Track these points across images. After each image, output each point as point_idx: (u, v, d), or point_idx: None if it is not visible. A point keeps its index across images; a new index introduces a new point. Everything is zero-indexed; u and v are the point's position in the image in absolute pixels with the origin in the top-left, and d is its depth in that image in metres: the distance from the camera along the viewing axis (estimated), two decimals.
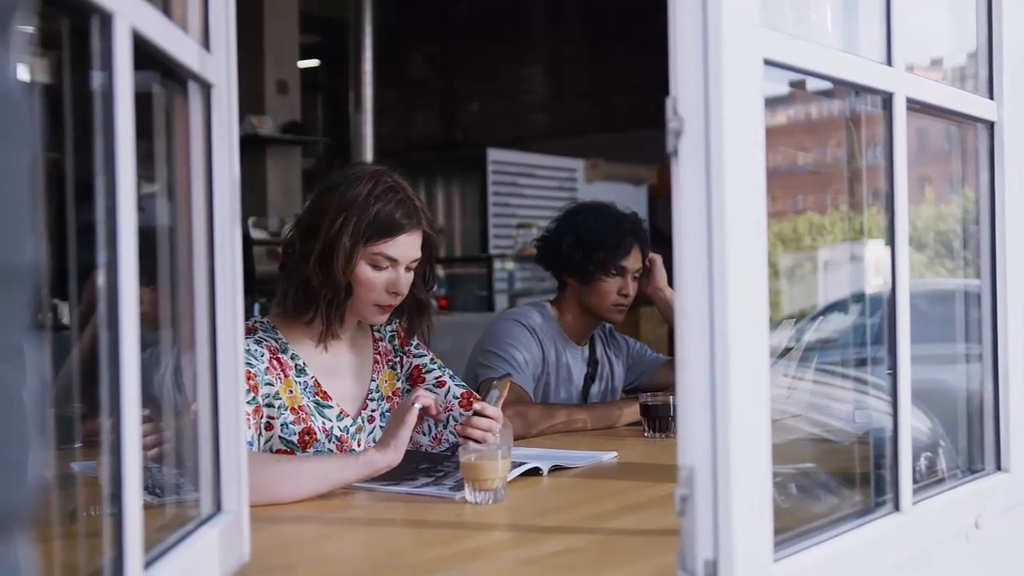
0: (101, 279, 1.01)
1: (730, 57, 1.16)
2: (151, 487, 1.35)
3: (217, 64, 1.36)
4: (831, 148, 2.04)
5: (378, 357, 2.37)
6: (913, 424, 1.56)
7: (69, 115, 1.06)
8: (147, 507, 1.08)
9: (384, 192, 2.18)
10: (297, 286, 2.19)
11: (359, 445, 2.25)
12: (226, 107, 1.38)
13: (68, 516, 1.27)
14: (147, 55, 1.12)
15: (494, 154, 8.01)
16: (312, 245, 2.17)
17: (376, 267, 2.18)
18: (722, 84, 1.16)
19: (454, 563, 1.53)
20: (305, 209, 2.27)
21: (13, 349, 0.53)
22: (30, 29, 0.59)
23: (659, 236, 3.18)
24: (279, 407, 2.15)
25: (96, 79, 1.01)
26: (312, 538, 1.71)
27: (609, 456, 2.35)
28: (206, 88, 1.35)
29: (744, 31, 1.19)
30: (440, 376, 2.38)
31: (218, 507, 1.38)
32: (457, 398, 2.34)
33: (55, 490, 1.18)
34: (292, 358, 2.22)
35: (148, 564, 1.09)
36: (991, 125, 1.80)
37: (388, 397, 2.35)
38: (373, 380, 2.34)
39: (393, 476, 2.04)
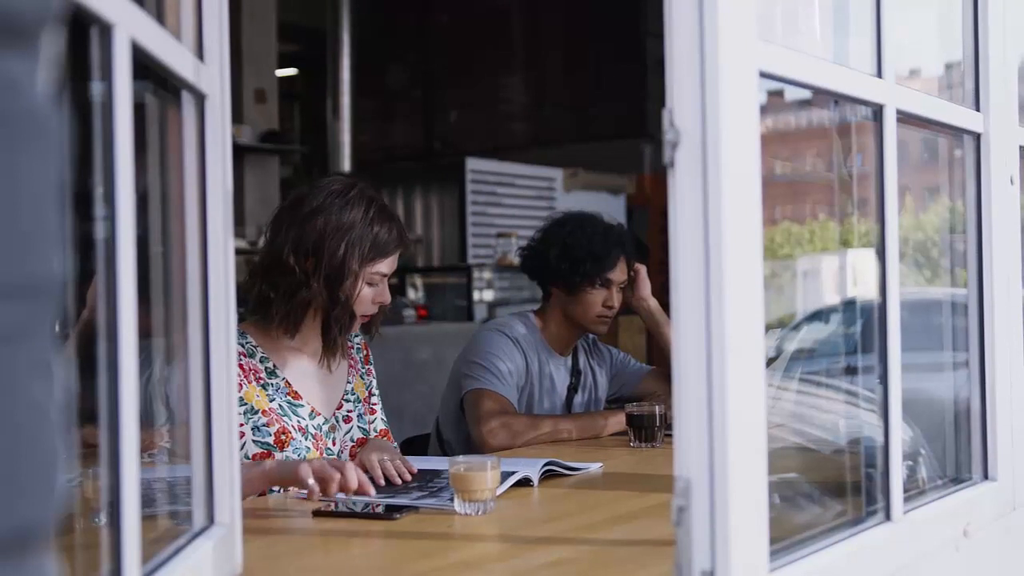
0: (99, 290, 1.00)
1: (727, 69, 1.17)
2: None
3: (211, 74, 1.36)
4: (809, 158, 2.05)
5: (352, 362, 2.45)
6: None
7: (65, 124, 1.05)
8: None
9: (378, 213, 2.29)
10: (301, 306, 2.25)
11: (334, 444, 2.34)
12: (219, 117, 1.38)
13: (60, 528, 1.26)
14: (141, 64, 1.12)
15: (473, 163, 8.00)
16: (309, 266, 2.23)
17: (371, 284, 2.30)
18: (719, 96, 1.16)
19: (448, 575, 1.53)
20: (291, 227, 2.26)
21: (42, 364, 0.53)
22: (58, 44, 0.59)
23: (638, 245, 3.19)
24: (245, 412, 2.19)
25: (95, 88, 1.01)
26: (303, 550, 1.70)
27: (596, 467, 2.35)
28: (200, 98, 1.34)
29: (741, 43, 1.19)
30: (375, 404, 2.51)
31: (211, 519, 1.37)
32: (377, 432, 2.45)
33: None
34: (261, 361, 2.28)
35: None
36: (977, 136, 1.82)
37: (364, 400, 2.45)
38: (349, 382, 2.42)
39: (387, 490, 2.04)
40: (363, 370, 2.49)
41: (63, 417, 0.55)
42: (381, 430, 2.49)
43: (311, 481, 1.92)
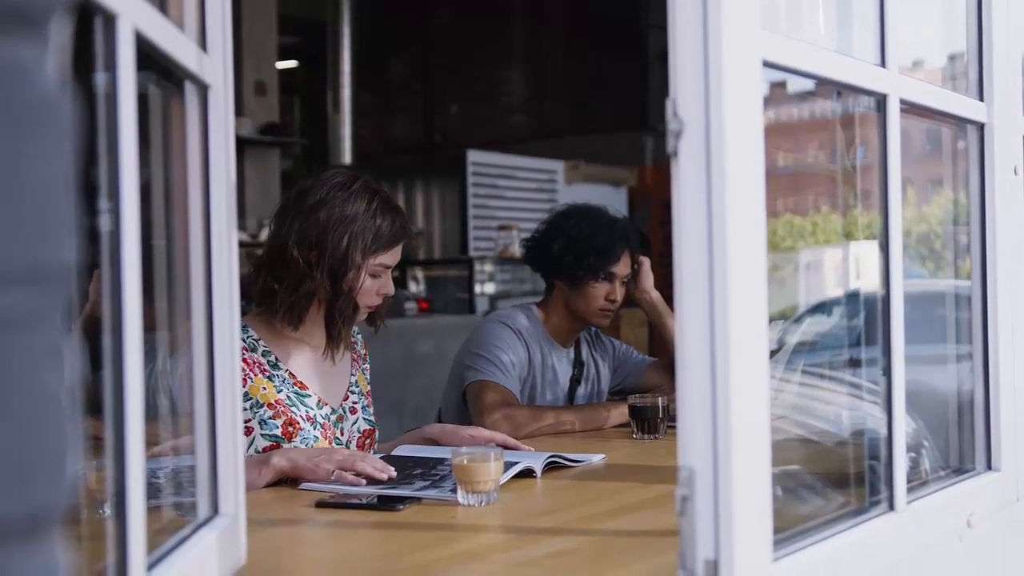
0: (104, 282, 1.00)
1: (731, 58, 1.17)
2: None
3: (214, 65, 1.35)
4: (812, 150, 2.05)
5: (355, 356, 2.47)
6: None
7: (75, 111, 1.05)
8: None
9: (381, 206, 2.29)
10: (304, 297, 2.26)
11: (342, 434, 2.35)
12: (223, 108, 1.37)
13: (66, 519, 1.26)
14: (144, 55, 1.11)
15: (474, 156, 7.99)
16: (312, 258, 2.24)
17: (374, 276, 2.30)
18: (723, 85, 1.16)
19: (451, 565, 1.53)
20: (294, 219, 2.27)
21: (52, 350, 0.53)
22: (68, 32, 0.59)
23: (641, 239, 3.18)
24: (252, 406, 2.21)
25: (99, 79, 1.01)
26: (307, 541, 1.71)
27: (598, 458, 2.35)
28: (203, 89, 1.34)
29: (744, 32, 1.19)
30: (367, 404, 2.50)
31: (215, 510, 1.37)
32: (360, 433, 2.43)
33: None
34: (264, 355, 2.29)
35: (150, 567, 1.09)
36: (981, 127, 1.81)
37: (366, 394, 2.47)
38: (352, 375, 2.44)
39: (395, 480, 2.04)
40: (364, 366, 2.51)
41: (73, 403, 0.55)
42: (365, 430, 2.48)
43: (335, 474, 2.04)
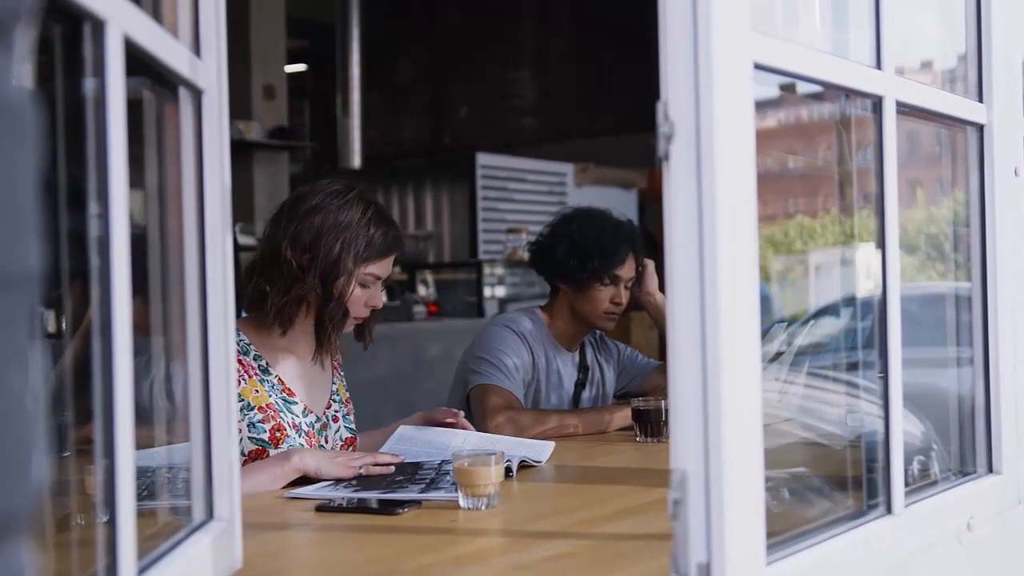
0: (93, 287, 1.01)
1: (721, 61, 1.16)
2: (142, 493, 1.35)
3: (208, 70, 1.36)
4: (821, 151, 2.05)
5: (336, 365, 2.50)
6: (905, 428, 1.57)
7: (59, 121, 1.06)
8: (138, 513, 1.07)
9: (376, 216, 2.32)
10: (295, 300, 2.28)
11: (326, 442, 2.38)
12: (217, 113, 1.38)
13: (57, 523, 1.26)
14: (137, 60, 1.12)
15: (483, 158, 7.99)
16: (305, 261, 2.26)
17: (363, 286, 2.32)
18: (713, 88, 1.16)
19: (448, 569, 1.53)
20: (289, 223, 2.29)
21: (17, 353, 0.53)
22: (33, 36, 0.59)
23: (649, 241, 3.18)
24: (242, 408, 2.23)
25: (88, 85, 1.01)
26: (303, 545, 1.71)
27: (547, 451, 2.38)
28: (197, 94, 1.34)
29: (735, 35, 1.19)
30: (347, 412, 2.51)
31: (210, 514, 1.37)
32: (342, 441, 2.44)
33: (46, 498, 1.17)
34: (255, 359, 2.31)
35: (141, 571, 1.09)
36: (980, 128, 1.81)
37: (346, 402, 2.49)
38: (334, 383, 2.47)
39: (381, 487, 2.03)
40: (341, 374, 2.54)
41: (39, 407, 0.55)
42: (347, 438, 2.49)
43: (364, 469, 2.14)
